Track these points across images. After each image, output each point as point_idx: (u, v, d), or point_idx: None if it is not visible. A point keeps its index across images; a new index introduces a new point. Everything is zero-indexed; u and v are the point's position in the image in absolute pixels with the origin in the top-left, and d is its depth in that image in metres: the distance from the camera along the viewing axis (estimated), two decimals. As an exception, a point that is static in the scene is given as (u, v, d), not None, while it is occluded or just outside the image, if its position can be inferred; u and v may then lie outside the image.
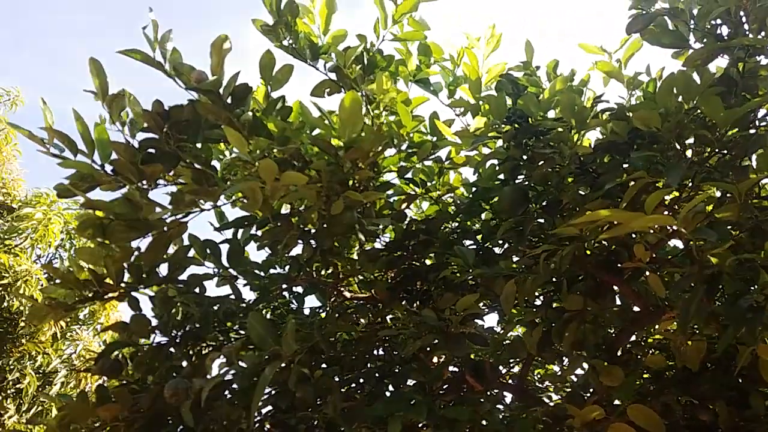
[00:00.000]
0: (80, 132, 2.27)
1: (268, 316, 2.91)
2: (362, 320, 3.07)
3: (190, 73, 2.24)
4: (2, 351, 8.05)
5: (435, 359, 2.94)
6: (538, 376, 3.49)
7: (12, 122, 2.32)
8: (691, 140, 2.15)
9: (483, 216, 2.87)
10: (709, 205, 2.00)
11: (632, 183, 2.06)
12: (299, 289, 2.97)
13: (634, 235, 2.49)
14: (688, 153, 2.12)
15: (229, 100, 2.28)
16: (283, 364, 2.28)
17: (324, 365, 2.60)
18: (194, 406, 2.47)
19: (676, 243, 2.69)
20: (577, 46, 2.86)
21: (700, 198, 1.74)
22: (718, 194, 2.33)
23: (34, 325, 8.01)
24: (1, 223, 8.62)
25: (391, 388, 2.73)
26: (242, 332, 2.65)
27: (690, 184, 2.15)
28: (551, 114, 2.46)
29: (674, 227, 1.93)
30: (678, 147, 2.02)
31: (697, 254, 1.87)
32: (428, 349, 2.61)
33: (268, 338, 2.05)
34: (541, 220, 2.51)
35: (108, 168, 2.26)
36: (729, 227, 1.98)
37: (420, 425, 2.38)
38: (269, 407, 2.65)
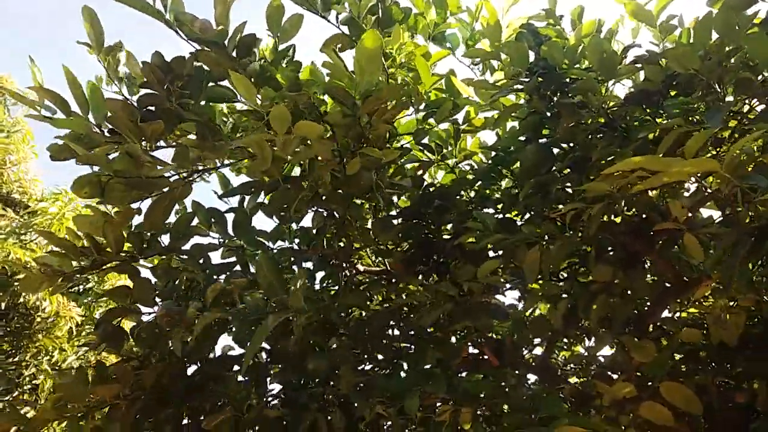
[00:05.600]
0: (72, 92, 2.12)
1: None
2: (376, 296, 2.91)
3: (192, 23, 2.10)
4: (19, 346, 8.00)
5: (453, 339, 2.79)
6: (563, 358, 3.31)
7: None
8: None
9: (503, 184, 2.70)
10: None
11: (667, 134, 1.89)
12: (309, 265, 2.82)
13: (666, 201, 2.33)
14: (729, 99, 1.94)
15: (234, 54, 2.15)
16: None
17: (337, 339, 2.45)
18: (194, 387, 2.35)
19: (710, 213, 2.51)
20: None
21: (747, 139, 1.56)
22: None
23: (51, 320, 7.99)
24: (17, 220, 8.59)
25: (406, 367, 2.58)
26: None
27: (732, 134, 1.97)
28: (578, 67, 2.28)
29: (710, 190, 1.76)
30: (718, 89, 1.84)
31: (742, 204, 1.68)
32: (447, 322, 2.44)
33: (276, 285, 1.91)
34: (568, 187, 2.35)
35: (105, 129, 2.13)
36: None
37: (438, 403, 2.22)
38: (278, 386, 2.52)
